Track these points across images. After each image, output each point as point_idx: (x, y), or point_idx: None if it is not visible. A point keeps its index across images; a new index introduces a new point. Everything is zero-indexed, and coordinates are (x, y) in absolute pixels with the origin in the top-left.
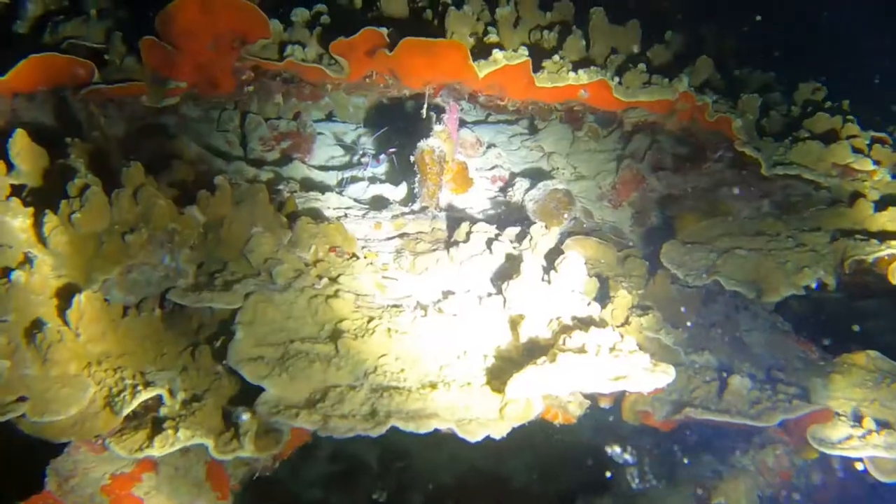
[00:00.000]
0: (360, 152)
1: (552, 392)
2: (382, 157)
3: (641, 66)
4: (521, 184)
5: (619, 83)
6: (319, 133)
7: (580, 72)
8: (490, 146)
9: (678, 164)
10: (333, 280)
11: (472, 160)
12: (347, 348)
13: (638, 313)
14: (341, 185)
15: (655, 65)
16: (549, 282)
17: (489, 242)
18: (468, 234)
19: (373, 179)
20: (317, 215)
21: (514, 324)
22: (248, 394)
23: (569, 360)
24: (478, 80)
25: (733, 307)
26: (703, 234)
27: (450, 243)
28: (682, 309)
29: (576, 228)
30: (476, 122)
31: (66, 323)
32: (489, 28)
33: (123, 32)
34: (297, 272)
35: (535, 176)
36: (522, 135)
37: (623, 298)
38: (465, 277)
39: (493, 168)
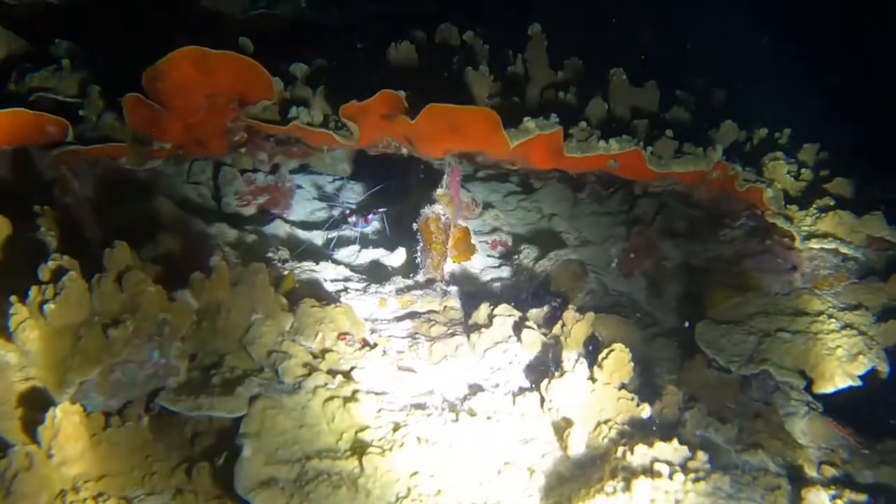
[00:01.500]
0: (347, 211)
1: None
2: (371, 217)
3: (669, 132)
4: (529, 251)
5: (652, 153)
6: (298, 186)
7: (611, 141)
8: (486, 206)
9: (692, 230)
10: (347, 377)
11: (468, 222)
12: (374, 466)
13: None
14: (328, 247)
15: (677, 128)
16: (593, 379)
17: (515, 328)
18: (490, 316)
19: (363, 241)
20: (315, 290)
21: (560, 430)
22: None
23: (645, 487)
24: (507, 151)
25: (769, 390)
26: (736, 313)
27: (469, 327)
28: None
29: (592, 303)
30: (464, 179)
31: (35, 441)
32: (513, 93)
33: (100, 85)
34: (307, 368)
35: (540, 242)
36: (517, 193)
37: (674, 395)
38: (491, 369)
39: (492, 231)
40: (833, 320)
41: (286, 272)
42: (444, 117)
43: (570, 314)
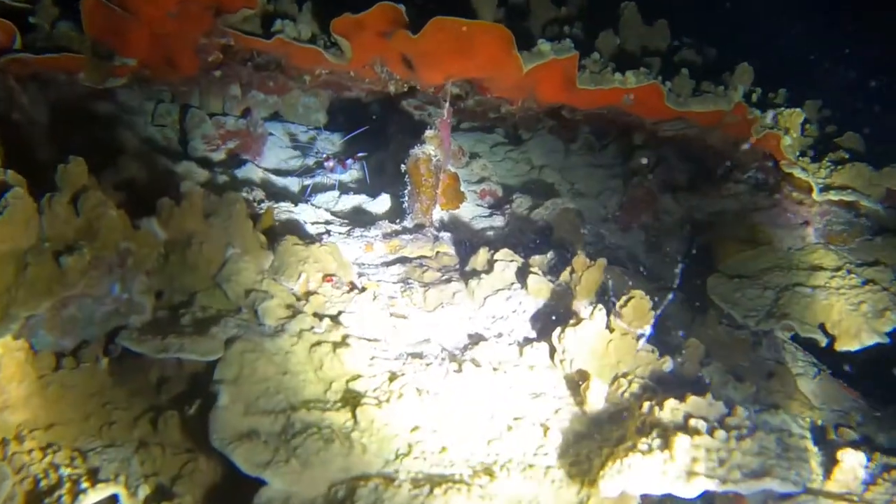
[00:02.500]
0: (324, 156)
1: (673, 494)
2: (349, 162)
3: (684, 70)
4: (522, 201)
5: (670, 90)
6: (269, 134)
7: (628, 74)
8: (473, 156)
9: (693, 183)
10: (335, 321)
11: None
12: (370, 419)
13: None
14: (305, 194)
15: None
16: (611, 329)
17: (518, 274)
18: (490, 262)
19: (342, 189)
20: (295, 230)
21: (574, 384)
22: (236, 480)
23: (685, 444)
24: (518, 76)
25: (780, 349)
26: (748, 267)
27: (466, 273)
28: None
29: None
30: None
31: None
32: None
33: None
34: (290, 310)
35: (531, 192)
36: (504, 144)
37: (695, 349)
38: (493, 318)
39: (480, 181)
40: (853, 276)
41: (263, 210)
42: (451, 32)
43: (580, 259)
